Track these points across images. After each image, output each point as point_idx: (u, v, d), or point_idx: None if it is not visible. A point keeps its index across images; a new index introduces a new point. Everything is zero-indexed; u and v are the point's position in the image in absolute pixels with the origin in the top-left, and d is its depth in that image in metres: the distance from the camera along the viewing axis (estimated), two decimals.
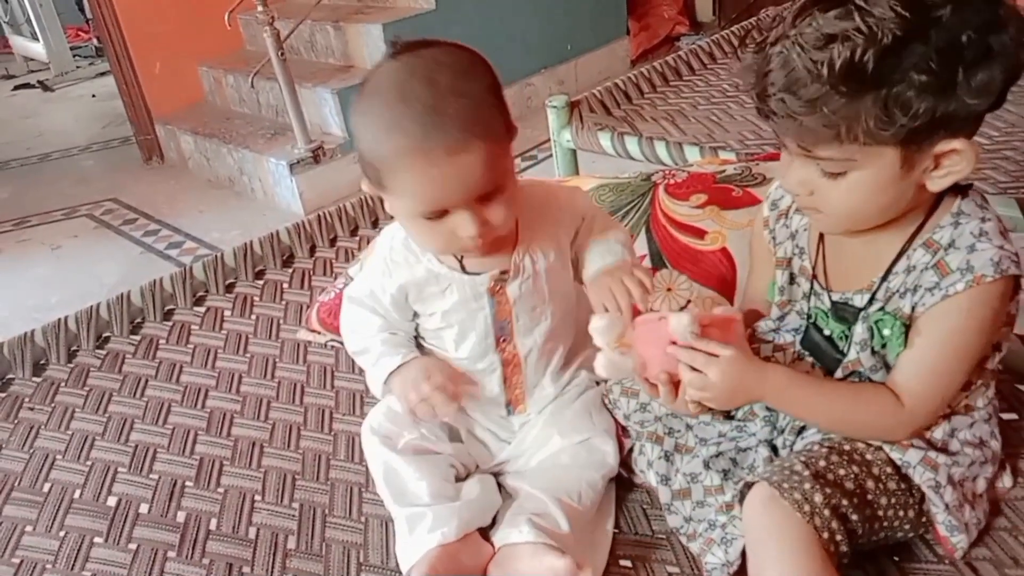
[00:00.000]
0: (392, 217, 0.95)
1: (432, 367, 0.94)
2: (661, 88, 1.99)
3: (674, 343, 0.81)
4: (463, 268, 0.93)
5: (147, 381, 1.27)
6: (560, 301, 0.98)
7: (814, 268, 0.88)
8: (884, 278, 0.81)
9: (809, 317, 0.89)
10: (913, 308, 0.79)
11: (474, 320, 0.94)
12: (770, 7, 1.88)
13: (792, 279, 0.90)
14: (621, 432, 0.99)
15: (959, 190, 0.78)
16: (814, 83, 0.69)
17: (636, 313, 0.89)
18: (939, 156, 0.73)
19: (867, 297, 0.82)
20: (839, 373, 0.85)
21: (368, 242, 1.51)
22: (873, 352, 0.82)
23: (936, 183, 0.75)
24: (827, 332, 0.87)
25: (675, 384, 0.83)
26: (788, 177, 0.79)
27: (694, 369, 0.80)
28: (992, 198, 1.26)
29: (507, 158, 0.85)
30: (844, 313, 0.85)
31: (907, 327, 0.79)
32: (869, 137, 0.70)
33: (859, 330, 0.82)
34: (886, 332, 0.80)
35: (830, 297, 0.86)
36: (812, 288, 0.88)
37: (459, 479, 0.95)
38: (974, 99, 0.69)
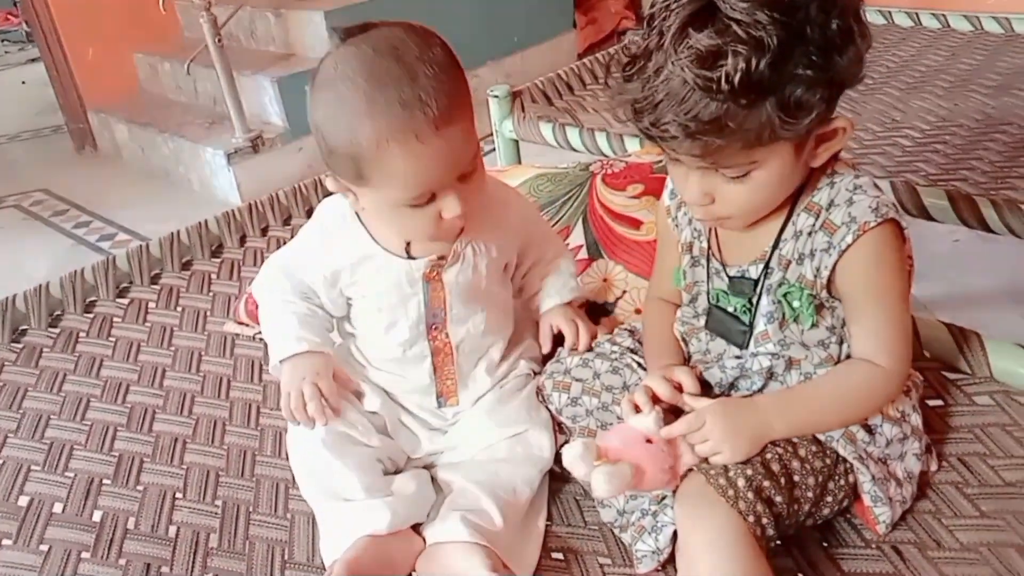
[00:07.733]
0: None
1: (323, 369, 0.90)
2: (603, 79, 1.99)
3: (650, 441, 0.80)
4: (408, 252, 0.90)
5: (65, 375, 1.21)
6: (498, 296, 0.96)
7: (709, 247, 0.89)
8: (775, 246, 0.83)
9: (711, 297, 0.90)
10: (816, 274, 0.81)
11: (406, 306, 0.92)
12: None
13: (694, 262, 0.92)
14: (556, 427, 0.97)
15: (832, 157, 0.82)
16: (713, 101, 0.70)
17: (592, 433, 0.93)
18: (821, 136, 0.76)
19: (761, 267, 0.84)
20: (752, 346, 0.86)
21: None
22: (781, 325, 0.83)
23: (819, 159, 0.79)
24: (730, 309, 0.88)
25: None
26: (688, 190, 0.80)
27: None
28: (922, 189, 1.29)
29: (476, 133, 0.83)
30: (742, 287, 0.86)
31: (815, 297, 0.81)
32: (773, 138, 0.73)
33: (764, 303, 0.84)
34: (796, 304, 0.82)
35: (727, 273, 0.88)
36: (710, 266, 0.90)
37: (387, 474, 0.93)
38: (851, 79, 0.74)
